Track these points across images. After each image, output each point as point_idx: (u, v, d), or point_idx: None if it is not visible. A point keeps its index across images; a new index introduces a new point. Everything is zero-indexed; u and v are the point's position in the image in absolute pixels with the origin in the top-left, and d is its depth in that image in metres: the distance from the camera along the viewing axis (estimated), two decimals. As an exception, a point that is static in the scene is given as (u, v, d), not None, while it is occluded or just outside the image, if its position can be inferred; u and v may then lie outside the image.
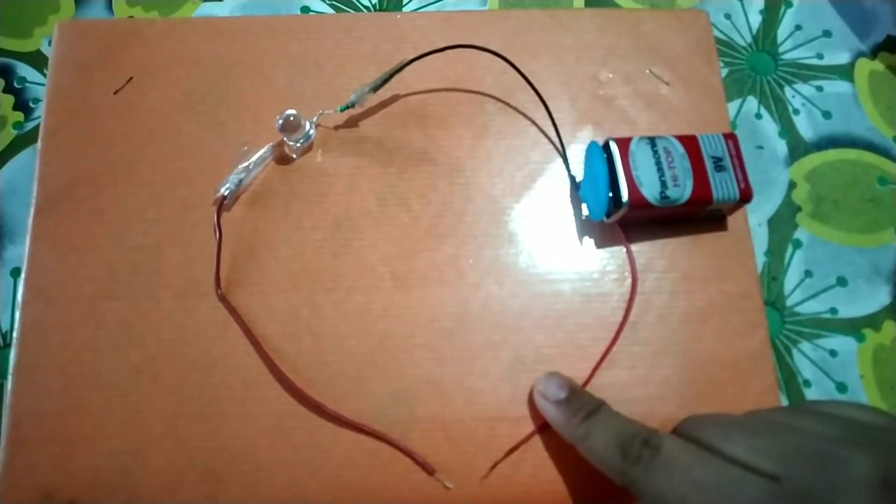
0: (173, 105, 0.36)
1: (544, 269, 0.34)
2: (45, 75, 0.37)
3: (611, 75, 0.37)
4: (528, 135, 0.36)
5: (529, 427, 0.31)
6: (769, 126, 0.39)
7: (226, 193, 0.34)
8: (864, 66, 0.40)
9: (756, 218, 0.37)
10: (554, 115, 0.36)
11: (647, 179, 0.31)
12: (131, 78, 0.36)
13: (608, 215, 0.32)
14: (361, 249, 0.34)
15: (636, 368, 0.32)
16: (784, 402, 0.33)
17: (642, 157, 0.31)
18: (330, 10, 0.41)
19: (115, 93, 0.36)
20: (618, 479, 0.27)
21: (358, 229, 0.34)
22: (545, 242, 0.34)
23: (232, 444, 0.31)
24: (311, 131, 0.35)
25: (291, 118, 0.34)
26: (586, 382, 0.32)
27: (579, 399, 0.30)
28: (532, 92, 0.36)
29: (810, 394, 0.34)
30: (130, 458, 0.31)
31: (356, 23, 0.38)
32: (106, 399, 0.32)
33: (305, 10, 0.41)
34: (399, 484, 0.30)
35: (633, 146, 0.31)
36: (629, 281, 0.33)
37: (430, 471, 0.30)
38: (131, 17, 0.40)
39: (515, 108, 0.37)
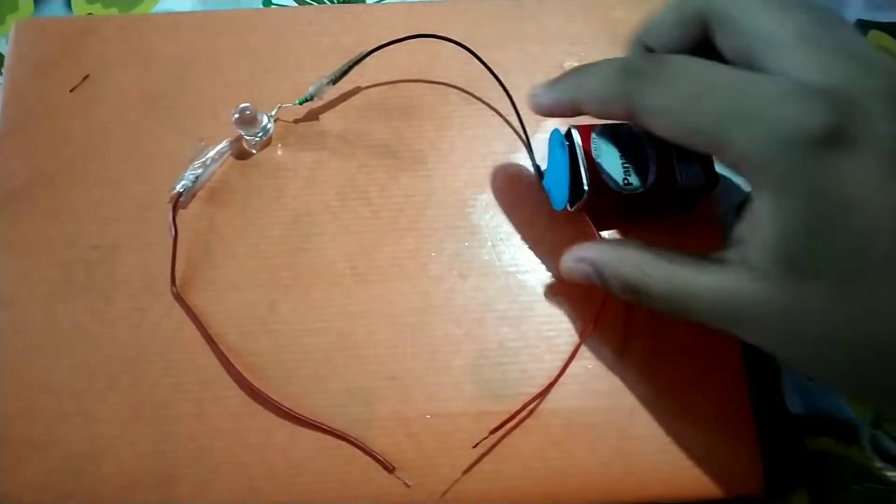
0: (130, 102, 0.35)
1: (509, 260, 0.33)
2: (1, 75, 0.37)
3: (576, 64, 0.37)
4: (492, 125, 0.36)
5: (494, 422, 0.30)
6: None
7: (181, 190, 0.33)
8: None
9: (725, 205, 0.36)
10: (519, 106, 0.35)
11: (609, 166, 0.30)
12: (88, 76, 0.36)
13: (571, 204, 0.31)
14: (321, 245, 0.33)
15: (601, 359, 0.31)
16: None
17: (605, 145, 0.30)
18: (293, 4, 0.40)
19: (71, 91, 0.36)
20: (621, 109, 0.25)
21: (317, 224, 0.33)
22: (510, 234, 0.34)
23: (188, 445, 0.30)
24: (270, 125, 0.34)
25: (247, 111, 0.33)
26: (559, 376, 0.31)
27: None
28: (496, 82, 0.35)
29: (779, 380, 0.33)
30: (85, 461, 0.30)
31: (318, 15, 0.38)
32: (59, 402, 0.31)
33: (268, 3, 0.40)
34: (359, 483, 0.30)
35: (595, 133, 0.31)
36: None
37: (389, 469, 0.29)
38: (90, 14, 0.39)
39: (479, 99, 0.36)
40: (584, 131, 0.31)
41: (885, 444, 0.27)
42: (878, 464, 0.25)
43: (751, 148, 0.21)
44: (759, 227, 0.22)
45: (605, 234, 0.33)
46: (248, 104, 0.33)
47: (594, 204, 0.30)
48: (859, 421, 0.30)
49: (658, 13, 0.27)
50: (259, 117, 0.34)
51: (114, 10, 0.40)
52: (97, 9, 0.39)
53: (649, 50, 0.28)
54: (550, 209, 0.33)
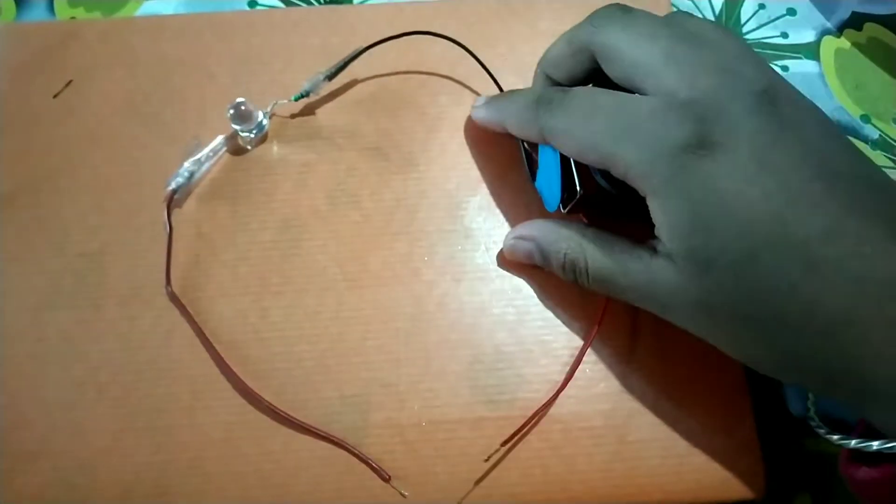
0: (114, 107, 0.35)
1: (503, 264, 0.33)
2: (-17, 80, 0.36)
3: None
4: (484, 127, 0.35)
5: (491, 428, 0.30)
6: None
7: (175, 188, 0.32)
8: (830, 45, 0.39)
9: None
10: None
11: None
12: (71, 80, 0.35)
13: (564, 206, 0.31)
14: (311, 250, 0.33)
15: (599, 363, 0.31)
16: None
17: None
18: (280, 5, 0.40)
19: (54, 96, 0.35)
20: (534, 132, 0.29)
21: (307, 229, 0.33)
22: (503, 237, 0.33)
23: (180, 456, 0.30)
24: (265, 121, 0.34)
25: (242, 106, 0.33)
26: (564, 385, 0.30)
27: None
28: (487, 83, 0.35)
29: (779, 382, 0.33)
30: (76, 473, 0.30)
31: (304, 17, 0.37)
32: (49, 414, 0.30)
33: (253, 4, 0.40)
34: (354, 492, 0.29)
35: None
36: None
37: (385, 478, 0.29)
38: (73, 18, 0.38)
39: (469, 100, 0.36)
40: None
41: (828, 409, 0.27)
42: (822, 430, 0.26)
43: (633, 159, 0.25)
44: (659, 226, 0.25)
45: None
46: (243, 99, 0.32)
47: (586, 205, 0.30)
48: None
49: (553, 46, 0.31)
50: (255, 113, 0.33)
51: (97, 14, 0.39)
52: (80, 12, 0.39)
53: (552, 80, 0.31)
54: (544, 211, 0.33)
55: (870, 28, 0.39)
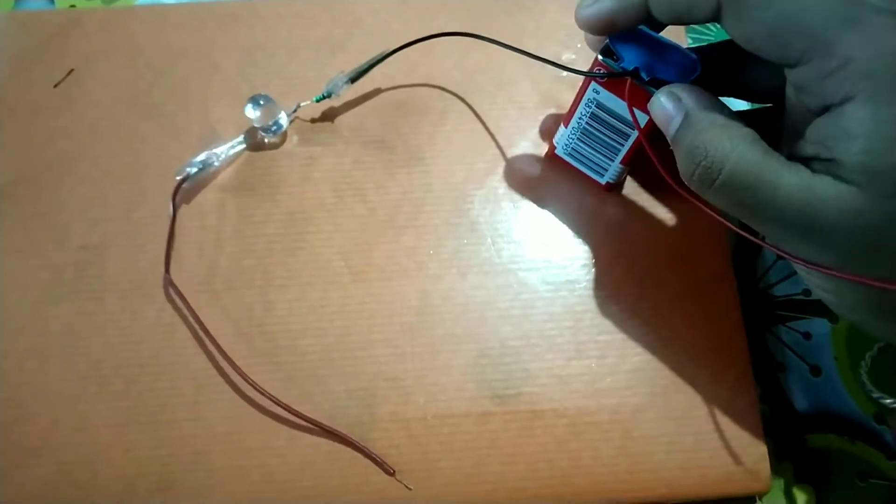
0: (116, 98, 0.34)
1: (509, 257, 0.33)
2: (-18, 70, 0.36)
3: (574, 56, 0.36)
4: (489, 119, 0.35)
5: (496, 423, 0.30)
6: (739, 102, 0.38)
7: (185, 176, 0.32)
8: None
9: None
10: (516, 99, 0.35)
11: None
12: (72, 70, 0.35)
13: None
14: (316, 243, 0.32)
15: (605, 357, 0.31)
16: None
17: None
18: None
19: (55, 86, 0.35)
20: (706, 7, 0.23)
21: (312, 222, 0.33)
22: (509, 230, 0.33)
23: (184, 450, 0.30)
24: (284, 122, 0.34)
25: (262, 101, 0.32)
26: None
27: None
28: (492, 75, 0.34)
29: (784, 378, 0.33)
30: (79, 468, 0.29)
31: (308, 8, 0.37)
32: (52, 408, 0.30)
33: (256, -6, 0.39)
34: (359, 487, 0.29)
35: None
36: (594, 270, 0.32)
37: (389, 472, 0.29)
38: (73, 6, 0.38)
39: (475, 94, 0.35)
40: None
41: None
42: (876, 394, 0.26)
43: (859, 55, 0.21)
44: (850, 139, 0.22)
45: (600, 234, 0.33)
46: (263, 94, 0.32)
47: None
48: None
49: None
50: (277, 111, 0.33)
51: (97, 2, 0.38)
52: (80, 1, 0.38)
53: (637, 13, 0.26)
54: (552, 202, 0.33)
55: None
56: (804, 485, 0.30)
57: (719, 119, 0.24)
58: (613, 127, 0.30)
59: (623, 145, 0.30)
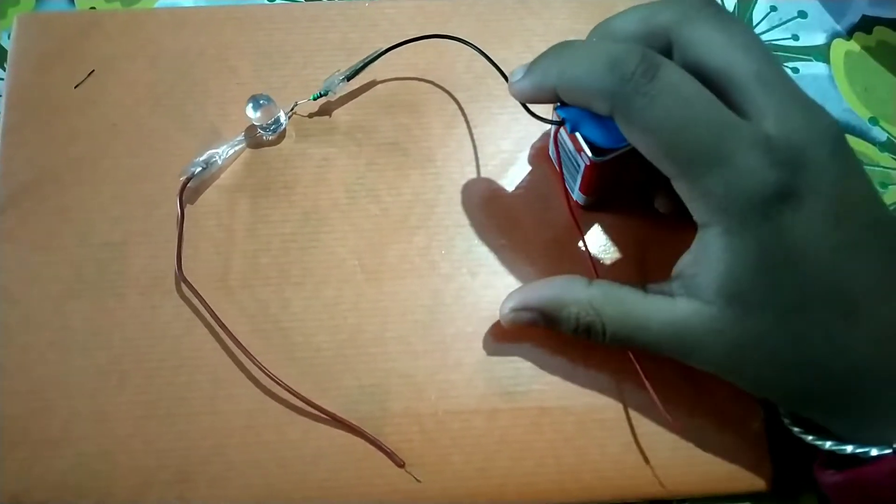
0: (136, 98, 0.35)
1: (518, 258, 0.33)
2: (4, 70, 0.36)
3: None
4: (500, 123, 0.36)
5: (506, 419, 0.31)
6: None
7: (188, 177, 0.33)
8: (840, 47, 0.40)
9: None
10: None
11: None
12: (93, 71, 0.36)
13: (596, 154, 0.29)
14: (330, 243, 0.33)
15: (611, 356, 0.31)
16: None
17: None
18: (300, 0, 0.40)
19: (76, 87, 0.35)
20: (603, 106, 0.25)
21: (327, 222, 0.33)
22: (519, 231, 0.34)
23: (202, 443, 0.30)
24: (283, 120, 0.34)
25: (261, 101, 0.33)
26: None
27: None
28: (502, 79, 0.35)
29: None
30: (99, 460, 0.30)
31: (324, 12, 0.37)
32: (72, 401, 0.31)
33: (272, -2, 0.40)
34: (371, 479, 0.30)
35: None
36: (601, 271, 0.33)
37: (399, 463, 0.30)
38: (93, 8, 0.39)
39: (486, 97, 0.36)
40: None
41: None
42: (795, 429, 0.28)
43: (718, 189, 0.23)
44: (709, 263, 0.25)
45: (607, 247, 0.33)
46: (264, 94, 0.33)
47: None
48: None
49: (620, 19, 0.28)
50: (275, 110, 0.34)
51: (116, 5, 0.39)
52: (99, 3, 0.39)
53: None
54: (559, 205, 0.33)
55: (879, 32, 0.40)
56: (807, 487, 0.31)
57: (572, 296, 0.28)
58: (570, 158, 0.31)
59: (576, 178, 0.31)
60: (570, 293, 0.28)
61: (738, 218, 0.23)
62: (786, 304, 0.24)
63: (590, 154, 0.28)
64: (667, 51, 0.26)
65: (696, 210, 0.25)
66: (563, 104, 0.28)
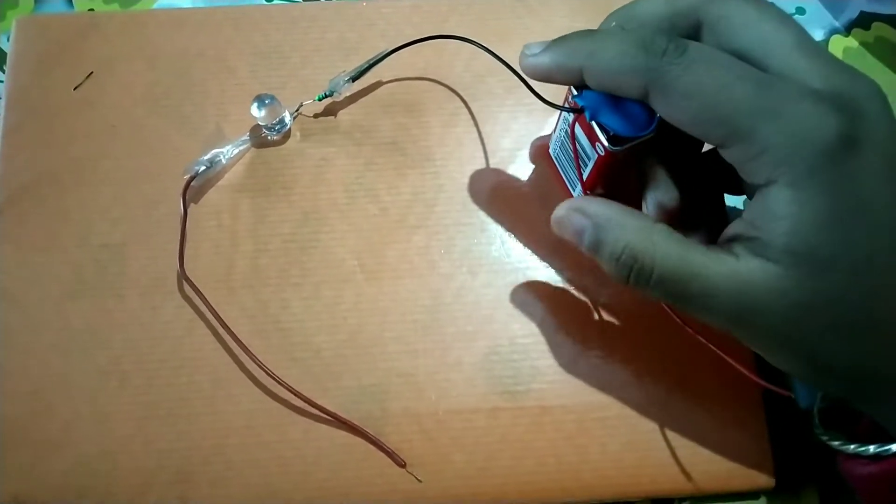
0: (135, 99, 0.35)
1: (518, 257, 0.33)
2: (3, 72, 0.37)
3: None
4: (499, 121, 0.36)
5: (506, 418, 0.31)
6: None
7: (192, 175, 0.33)
8: (839, 44, 0.40)
9: (732, 201, 0.36)
10: (524, 102, 0.35)
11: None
12: (91, 73, 0.36)
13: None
14: (330, 243, 0.33)
15: (612, 355, 0.32)
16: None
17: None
18: (297, 0, 0.40)
19: (75, 88, 0.35)
20: (636, 85, 0.24)
21: (326, 222, 0.33)
22: (519, 230, 0.34)
23: (202, 444, 0.30)
24: (288, 120, 0.34)
25: (267, 100, 0.33)
26: None
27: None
28: (501, 78, 0.35)
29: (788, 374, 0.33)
30: (100, 460, 0.30)
31: (321, 12, 0.37)
32: (73, 402, 0.31)
33: (270, -1, 0.40)
34: (372, 479, 0.30)
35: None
36: (601, 271, 0.33)
37: (400, 463, 0.30)
38: (91, 9, 0.39)
39: (485, 95, 0.36)
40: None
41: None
42: (825, 436, 0.27)
43: (775, 142, 0.22)
44: (775, 220, 0.23)
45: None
46: (268, 94, 0.33)
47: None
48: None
49: (644, 1, 0.27)
50: (279, 109, 0.34)
51: (115, 6, 0.39)
52: (98, 4, 0.39)
53: None
54: (559, 203, 0.33)
55: (878, 28, 0.40)
56: (808, 483, 0.31)
57: (632, 222, 0.25)
58: (579, 151, 0.30)
59: (584, 172, 0.31)
60: (631, 218, 0.26)
61: (805, 166, 0.22)
62: (856, 258, 0.22)
63: (606, 143, 0.27)
64: (694, 30, 0.25)
65: (756, 171, 0.23)
66: (579, 92, 0.27)
